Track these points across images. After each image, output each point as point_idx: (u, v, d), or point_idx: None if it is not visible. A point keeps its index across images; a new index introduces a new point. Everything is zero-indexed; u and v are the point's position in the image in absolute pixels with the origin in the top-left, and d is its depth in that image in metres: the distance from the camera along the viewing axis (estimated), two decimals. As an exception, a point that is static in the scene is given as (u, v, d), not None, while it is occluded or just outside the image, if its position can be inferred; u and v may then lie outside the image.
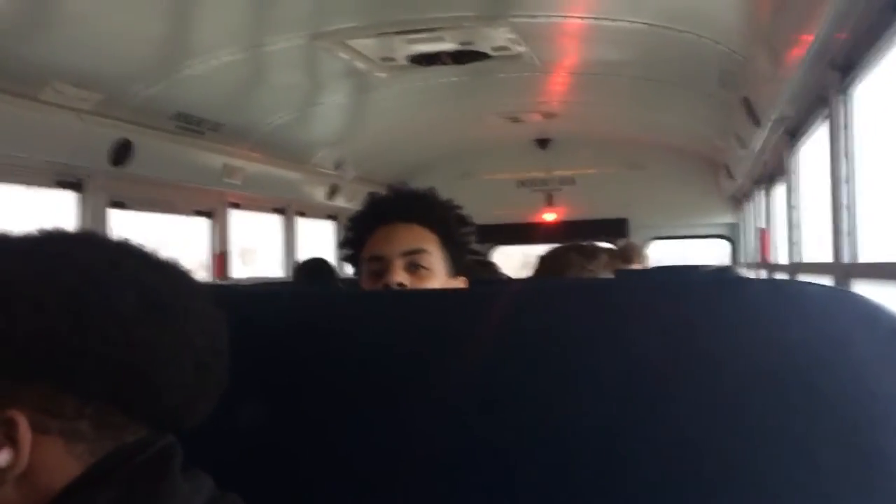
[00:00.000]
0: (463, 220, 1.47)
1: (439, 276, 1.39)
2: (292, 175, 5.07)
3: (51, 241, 0.71)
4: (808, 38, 2.17)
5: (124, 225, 3.82)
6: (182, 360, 0.68)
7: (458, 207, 1.48)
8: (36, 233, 0.74)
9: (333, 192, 5.65)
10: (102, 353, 0.64)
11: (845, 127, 2.24)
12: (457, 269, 1.43)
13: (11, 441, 0.63)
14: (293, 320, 0.89)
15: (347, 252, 1.47)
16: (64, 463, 0.64)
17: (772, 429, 0.76)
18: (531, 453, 0.76)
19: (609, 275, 1.98)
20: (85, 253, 0.69)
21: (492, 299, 0.87)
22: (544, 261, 2.06)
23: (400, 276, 1.35)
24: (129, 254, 0.71)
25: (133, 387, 0.66)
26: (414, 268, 1.37)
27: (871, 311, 0.79)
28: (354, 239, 1.45)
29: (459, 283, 1.44)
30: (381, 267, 1.37)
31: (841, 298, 0.84)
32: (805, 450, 0.75)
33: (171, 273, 0.72)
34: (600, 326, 0.80)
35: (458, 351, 0.81)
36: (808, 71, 2.39)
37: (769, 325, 0.77)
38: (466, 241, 1.47)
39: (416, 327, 0.84)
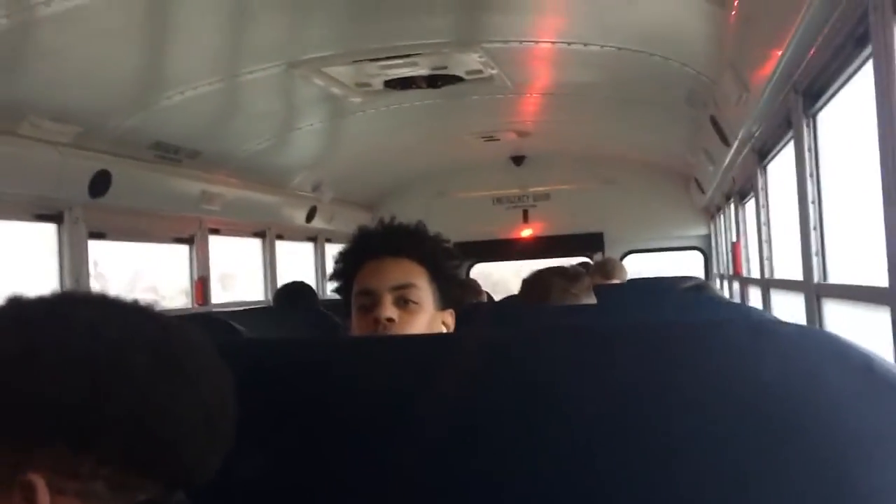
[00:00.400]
0: (450, 254, 1.49)
1: (427, 309, 1.41)
2: (271, 199, 5.09)
3: (63, 304, 0.73)
4: (773, 63, 2.24)
5: (104, 255, 3.82)
6: (195, 418, 0.71)
7: (446, 241, 1.50)
8: (48, 296, 0.77)
9: (312, 214, 5.68)
10: (118, 415, 0.67)
11: (810, 150, 2.31)
12: (445, 302, 1.45)
13: (30, 503, 0.64)
14: (292, 368, 0.92)
15: (337, 284, 1.49)
16: None
17: (752, 461, 0.80)
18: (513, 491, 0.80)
19: (591, 297, 2.01)
20: (97, 315, 0.71)
21: (473, 345, 0.91)
22: (527, 284, 2.08)
23: (389, 311, 1.37)
24: (139, 313, 0.74)
25: (148, 447, 0.69)
26: (403, 302, 1.39)
27: (842, 349, 0.83)
28: (344, 272, 1.47)
29: (447, 316, 1.46)
30: (370, 301, 1.39)
31: (813, 337, 0.89)
32: (783, 482, 0.80)
33: (180, 331, 0.74)
34: (582, 369, 0.84)
35: (443, 394, 0.84)
36: (773, 94, 2.47)
37: (748, 366, 0.82)
38: (454, 274, 1.50)
39: (407, 371, 0.88)
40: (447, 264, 1.47)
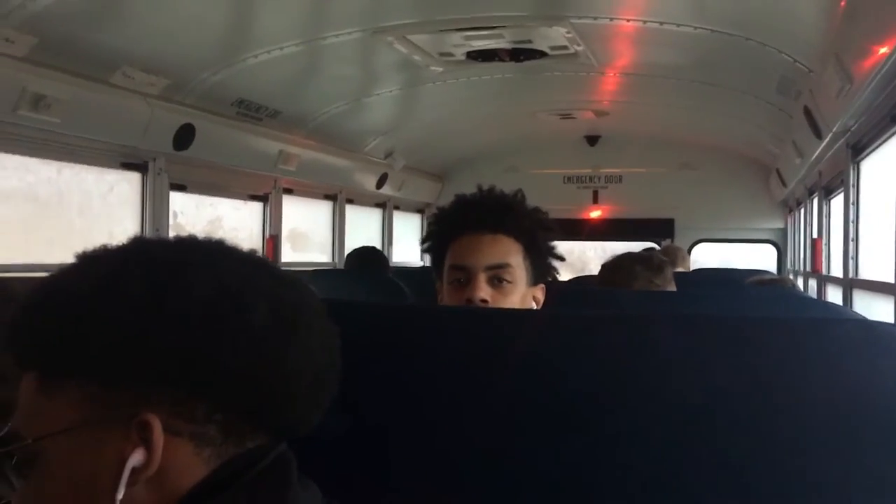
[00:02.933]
0: (547, 227, 1.45)
1: (520, 287, 1.39)
2: (344, 163, 5.13)
3: (188, 251, 0.74)
4: (882, 55, 2.14)
5: (180, 207, 3.91)
6: (305, 374, 0.72)
7: (544, 213, 1.46)
8: (172, 240, 0.78)
9: (383, 180, 5.71)
10: (235, 364, 0.68)
11: (917, 148, 2.21)
12: (537, 277, 1.43)
13: (146, 442, 0.66)
14: (389, 333, 0.93)
15: (429, 249, 1.47)
16: (192, 465, 0.68)
17: (862, 469, 0.77)
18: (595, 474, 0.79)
19: (673, 288, 1.96)
20: (220, 264, 0.72)
21: (566, 324, 0.89)
22: (607, 271, 2.01)
23: (483, 292, 1.35)
24: (259, 266, 0.75)
25: (260, 398, 0.70)
26: (497, 282, 1.37)
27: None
28: (440, 239, 1.44)
29: (538, 291, 1.44)
30: (464, 278, 1.38)
31: (931, 342, 0.85)
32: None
33: (297, 287, 0.75)
34: (680, 360, 0.82)
35: (523, 372, 0.84)
36: (878, 87, 2.36)
37: (863, 366, 0.79)
38: (550, 248, 1.46)
39: (486, 345, 0.88)
40: (544, 240, 1.44)
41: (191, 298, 0.68)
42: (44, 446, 0.67)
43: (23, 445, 0.68)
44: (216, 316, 0.68)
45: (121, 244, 0.74)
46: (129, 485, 0.66)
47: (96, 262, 0.72)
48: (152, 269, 0.70)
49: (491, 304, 1.34)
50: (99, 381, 0.67)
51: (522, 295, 1.39)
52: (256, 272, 0.73)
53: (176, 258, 0.71)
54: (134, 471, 0.66)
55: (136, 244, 0.74)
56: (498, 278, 1.37)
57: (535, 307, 1.41)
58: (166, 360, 0.67)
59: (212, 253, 0.74)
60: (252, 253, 0.76)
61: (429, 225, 1.48)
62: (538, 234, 1.42)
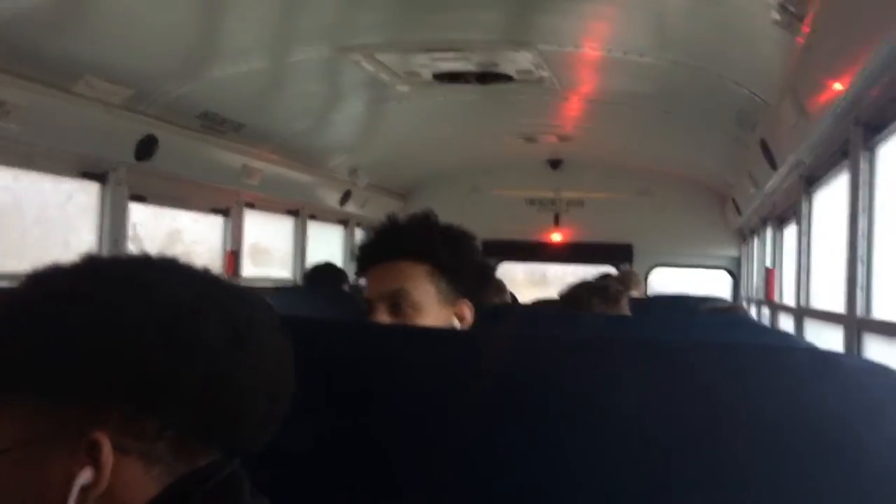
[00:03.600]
0: (459, 243, 1.44)
1: (430, 308, 1.37)
2: (307, 179, 5.11)
3: (141, 268, 0.74)
4: (837, 91, 2.22)
5: (140, 220, 3.85)
6: (257, 390, 0.72)
7: (455, 229, 1.45)
8: (125, 258, 0.78)
9: (346, 197, 5.70)
10: (186, 380, 0.68)
11: (866, 182, 2.28)
12: (456, 293, 1.41)
13: (94, 461, 0.66)
14: (348, 350, 0.93)
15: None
16: (142, 483, 0.68)
17: (806, 488, 0.80)
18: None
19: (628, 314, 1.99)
20: (172, 281, 0.72)
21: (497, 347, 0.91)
22: (564, 301, 2.03)
23: (382, 320, 1.36)
24: (211, 282, 0.75)
25: (211, 414, 0.70)
26: (398, 308, 1.37)
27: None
28: (361, 275, 1.49)
29: (463, 308, 1.42)
30: (371, 309, 1.39)
31: (875, 372, 0.88)
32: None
33: (250, 304, 0.75)
34: (643, 384, 0.84)
35: (481, 390, 0.85)
36: (832, 124, 2.44)
37: (811, 394, 0.82)
38: (466, 263, 1.43)
39: (440, 364, 0.89)
40: (455, 255, 1.42)
41: (141, 315, 0.68)
42: None
43: None
44: (167, 332, 0.68)
45: (73, 261, 0.74)
46: (78, 503, 0.65)
47: (48, 279, 0.72)
48: (103, 286, 0.70)
49: None
50: (47, 398, 0.66)
51: (435, 316, 1.37)
52: (208, 288, 0.73)
53: (127, 275, 0.72)
54: (82, 489, 0.66)
55: (88, 261, 0.74)
56: (398, 305, 1.37)
57: (458, 325, 1.39)
58: (115, 376, 0.67)
59: (164, 269, 0.74)
60: (205, 270, 0.77)
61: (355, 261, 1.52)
62: (445, 250, 1.41)
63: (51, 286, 0.71)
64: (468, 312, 1.43)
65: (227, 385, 0.70)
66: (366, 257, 1.46)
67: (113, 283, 0.71)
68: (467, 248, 1.45)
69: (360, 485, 0.85)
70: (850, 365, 0.86)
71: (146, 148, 3.47)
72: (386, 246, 1.43)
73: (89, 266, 0.74)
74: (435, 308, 1.38)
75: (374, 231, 1.51)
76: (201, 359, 0.69)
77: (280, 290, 3.59)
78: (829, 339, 2.71)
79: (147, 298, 0.69)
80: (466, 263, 1.44)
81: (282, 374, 0.75)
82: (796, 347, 1.36)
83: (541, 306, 2.89)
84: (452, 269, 1.41)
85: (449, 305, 1.40)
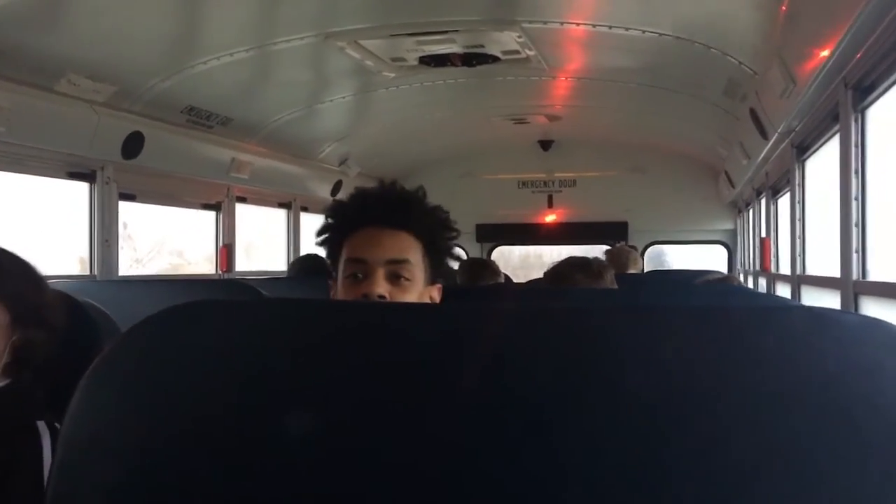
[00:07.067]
0: (448, 227, 1.42)
1: (418, 286, 1.36)
2: (298, 170, 5.09)
3: None
4: (823, 56, 2.20)
5: (133, 218, 3.84)
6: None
7: (446, 213, 1.43)
8: None
9: (337, 188, 5.68)
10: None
11: (857, 145, 2.27)
12: (434, 276, 1.40)
13: None
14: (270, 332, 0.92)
15: (325, 242, 1.41)
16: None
17: (805, 448, 0.79)
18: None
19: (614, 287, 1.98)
20: None
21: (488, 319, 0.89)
22: (549, 278, 2.03)
23: (381, 288, 1.32)
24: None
25: None
26: (396, 278, 1.33)
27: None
28: (337, 232, 1.38)
29: (435, 291, 1.41)
30: (363, 272, 1.33)
31: (873, 327, 0.87)
32: (837, 470, 0.78)
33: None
34: (636, 349, 0.83)
35: (474, 367, 0.84)
36: (820, 88, 2.42)
37: (811, 353, 0.80)
38: (449, 248, 1.43)
39: (438, 341, 0.87)
40: (444, 239, 1.41)
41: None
42: None
43: None
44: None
45: None
46: None
47: None
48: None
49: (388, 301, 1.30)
50: None
51: (420, 294, 1.35)
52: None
53: None
54: None
55: None
56: (397, 274, 1.33)
57: None
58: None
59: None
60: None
61: (326, 216, 1.41)
62: (439, 231, 1.40)
63: None
64: (438, 296, 1.42)
65: None
66: (364, 215, 1.36)
67: None
68: (452, 234, 1.44)
69: (342, 468, 0.84)
70: (847, 321, 0.84)
71: (133, 145, 3.45)
72: (393, 210, 1.35)
73: None
74: (421, 287, 1.36)
75: (372, 193, 1.39)
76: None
77: (268, 281, 3.57)
78: (827, 303, 2.71)
79: None
80: (449, 248, 1.43)
81: None
82: (792, 305, 1.35)
83: (530, 284, 2.89)
84: (439, 252, 1.40)
85: (428, 286, 1.39)
